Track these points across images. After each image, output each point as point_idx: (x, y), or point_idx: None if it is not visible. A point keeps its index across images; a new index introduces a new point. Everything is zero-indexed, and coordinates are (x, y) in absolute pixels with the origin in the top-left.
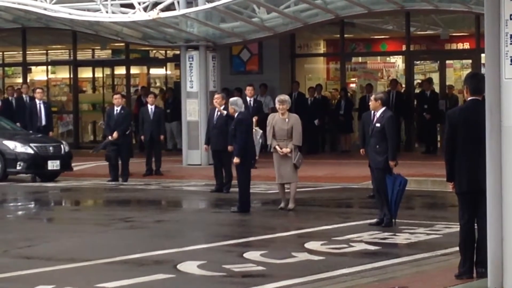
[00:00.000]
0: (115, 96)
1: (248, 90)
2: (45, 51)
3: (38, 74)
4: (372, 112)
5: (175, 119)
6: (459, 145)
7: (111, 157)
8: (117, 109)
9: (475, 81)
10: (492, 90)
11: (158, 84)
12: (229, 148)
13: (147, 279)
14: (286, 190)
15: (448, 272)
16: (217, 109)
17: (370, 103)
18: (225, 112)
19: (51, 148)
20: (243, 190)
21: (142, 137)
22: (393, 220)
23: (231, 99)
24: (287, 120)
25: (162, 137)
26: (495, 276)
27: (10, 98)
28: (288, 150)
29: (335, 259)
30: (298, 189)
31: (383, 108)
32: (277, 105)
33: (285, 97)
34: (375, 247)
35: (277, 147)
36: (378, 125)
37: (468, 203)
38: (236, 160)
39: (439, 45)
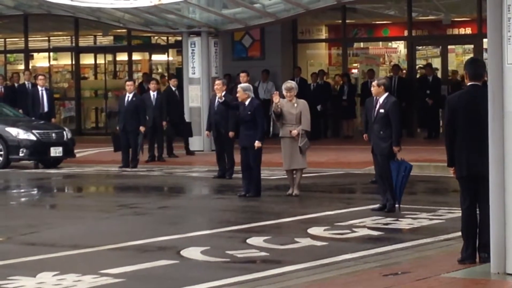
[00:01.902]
0: (128, 83)
1: (242, 77)
2: (47, 38)
3: (40, 60)
4: (375, 97)
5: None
6: (459, 130)
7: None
8: (129, 96)
9: (475, 67)
10: (494, 75)
11: (160, 70)
12: (230, 134)
13: (150, 265)
14: (294, 176)
15: (451, 257)
16: (217, 95)
17: (372, 89)
18: (223, 98)
19: (53, 134)
20: (259, 175)
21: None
22: (398, 206)
23: (244, 85)
24: (295, 105)
25: (164, 123)
26: (498, 260)
27: (16, 84)
28: (296, 132)
29: (338, 245)
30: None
31: (386, 94)
32: (284, 93)
33: (292, 83)
34: (378, 232)
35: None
36: (382, 111)
37: (468, 188)
38: (258, 144)
39: (441, 30)
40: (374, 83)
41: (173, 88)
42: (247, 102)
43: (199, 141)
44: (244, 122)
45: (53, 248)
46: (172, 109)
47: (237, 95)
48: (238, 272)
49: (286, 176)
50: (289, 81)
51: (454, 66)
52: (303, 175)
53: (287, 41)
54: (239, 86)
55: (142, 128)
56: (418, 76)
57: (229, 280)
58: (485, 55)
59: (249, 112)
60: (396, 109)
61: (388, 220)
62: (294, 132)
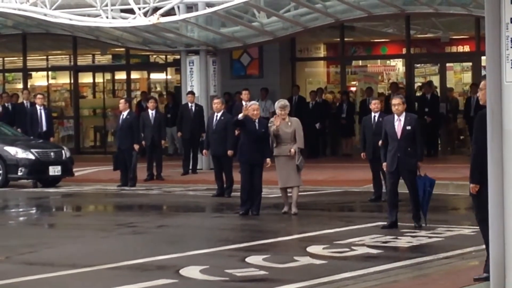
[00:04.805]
0: (120, 101)
1: (245, 94)
2: (45, 57)
3: (39, 79)
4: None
5: (175, 124)
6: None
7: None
8: (123, 114)
9: None
10: (493, 93)
11: (158, 88)
12: (229, 152)
13: (149, 284)
14: (288, 194)
15: (451, 276)
16: (216, 114)
17: (398, 107)
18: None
19: (52, 153)
20: (261, 193)
21: (143, 142)
22: (425, 223)
23: (256, 102)
24: (289, 123)
25: (163, 142)
26: (497, 279)
27: (6, 104)
28: (293, 151)
29: (337, 263)
30: (299, 193)
31: (405, 112)
32: (278, 111)
33: (285, 101)
34: (377, 250)
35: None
36: (408, 127)
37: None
38: (269, 161)
39: (439, 48)
40: (398, 101)
41: (190, 104)
42: (257, 120)
43: (198, 160)
44: (256, 140)
45: (52, 268)
46: (185, 125)
47: (255, 112)
48: None
49: None
50: (282, 99)
51: (453, 84)
52: (301, 193)
53: (285, 60)
54: (254, 103)
55: (136, 146)
56: (417, 94)
57: None
58: (483, 72)
59: (263, 130)
60: (420, 126)
61: (387, 238)
62: (292, 151)
